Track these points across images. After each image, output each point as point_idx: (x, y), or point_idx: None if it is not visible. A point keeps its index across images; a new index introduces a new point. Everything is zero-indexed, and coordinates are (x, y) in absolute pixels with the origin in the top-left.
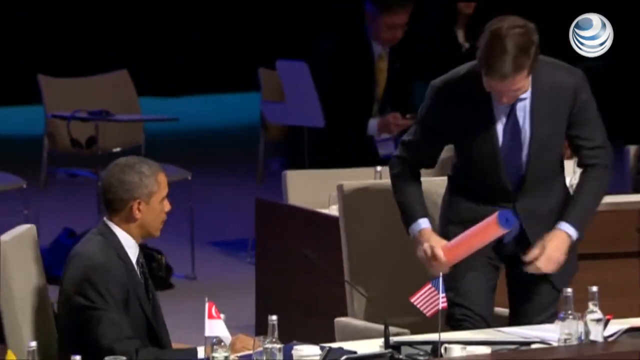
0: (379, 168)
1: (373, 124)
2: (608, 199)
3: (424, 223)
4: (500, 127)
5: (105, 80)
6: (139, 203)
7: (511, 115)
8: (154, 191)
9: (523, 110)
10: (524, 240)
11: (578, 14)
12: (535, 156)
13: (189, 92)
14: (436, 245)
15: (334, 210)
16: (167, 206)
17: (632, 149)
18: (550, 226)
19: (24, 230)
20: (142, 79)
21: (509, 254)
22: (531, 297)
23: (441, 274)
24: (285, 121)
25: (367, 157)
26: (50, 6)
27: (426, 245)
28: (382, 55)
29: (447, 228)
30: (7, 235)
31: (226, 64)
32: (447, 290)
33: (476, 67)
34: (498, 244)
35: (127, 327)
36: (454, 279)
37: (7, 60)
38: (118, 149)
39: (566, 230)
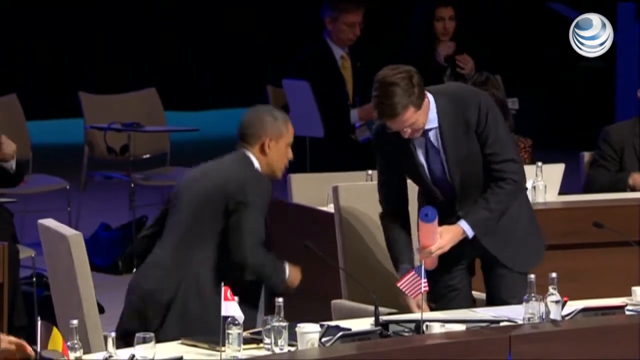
0: (369, 172)
1: (354, 113)
2: (568, 198)
3: (403, 271)
4: (421, 154)
5: (137, 97)
6: (270, 140)
7: (427, 143)
8: (283, 133)
9: (435, 136)
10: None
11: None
12: (457, 173)
13: (208, 107)
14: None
15: (331, 208)
16: (290, 154)
17: (586, 155)
18: (496, 230)
19: (61, 225)
20: (168, 96)
21: (480, 254)
22: (502, 288)
23: (422, 263)
24: None
25: (359, 161)
26: (91, 34)
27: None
28: (344, 55)
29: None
30: (69, 230)
31: (239, 82)
32: (429, 301)
33: None
34: (468, 247)
35: (263, 231)
36: (433, 294)
37: (52, 80)
38: (147, 155)
39: (463, 228)
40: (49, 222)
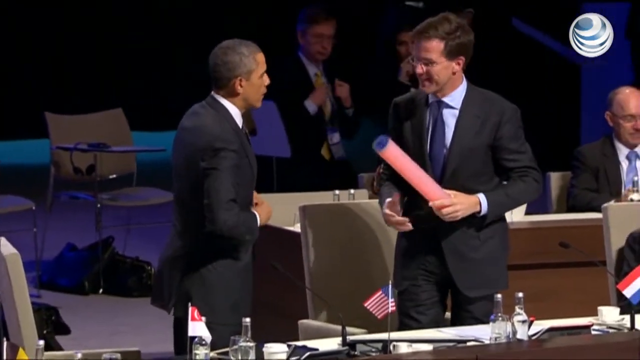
0: (337, 192)
1: (309, 102)
2: (535, 218)
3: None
4: (430, 126)
5: (103, 117)
6: (240, 80)
7: (438, 117)
8: (252, 69)
9: (450, 117)
10: (440, 252)
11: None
12: (455, 160)
13: (175, 127)
14: (386, 206)
15: (298, 228)
16: (266, 80)
17: (552, 175)
18: (464, 238)
19: (6, 243)
20: (135, 116)
21: (445, 280)
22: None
23: (390, 283)
24: (257, 152)
25: (326, 181)
26: (56, 53)
27: (384, 213)
28: (318, 73)
29: (399, 241)
30: (8, 249)
31: None
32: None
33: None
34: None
35: (233, 190)
36: (404, 321)
37: (17, 100)
38: (114, 176)
39: (480, 199)
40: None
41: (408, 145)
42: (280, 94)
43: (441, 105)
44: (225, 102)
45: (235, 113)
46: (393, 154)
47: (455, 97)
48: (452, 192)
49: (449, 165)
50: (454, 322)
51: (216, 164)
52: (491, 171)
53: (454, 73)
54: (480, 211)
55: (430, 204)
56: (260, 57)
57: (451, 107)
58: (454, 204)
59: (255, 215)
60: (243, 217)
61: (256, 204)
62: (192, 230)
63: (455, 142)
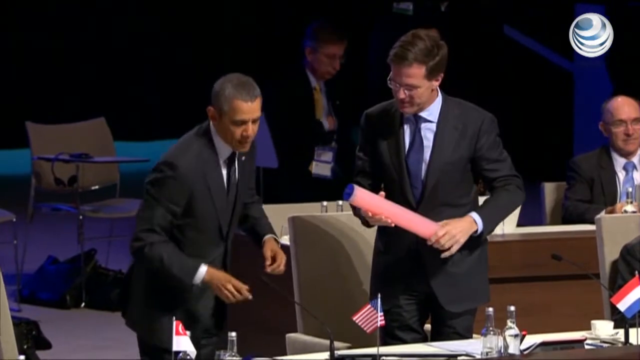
0: (324, 203)
1: (324, 120)
2: (526, 230)
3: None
4: (407, 141)
5: (85, 127)
6: (214, 111)
7: (417, 132)
8: (223, 110)
9: (428, 131)
10: (422, 267)
11: None
12: (435, 175)
13: (158, 137)
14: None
15: (285, 240)
16: (246, 131)
17: (546, 185)
18: (445, 260)
19: None
20: (117, 126)
21: (427, 296)
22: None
23: (379, 296)
24: None
25: (313, 193)
26: (38, 62)
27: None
28: (317, 87)
29: (377, 258)
30: None
31: (190, 112)
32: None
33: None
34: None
35: (160, 221)
36: (388, 341)
37: None
38: (96, 187)
39: (474, 218)
40: None
41: (385, 161)
42: (282, 102)
43: (419, 120)
44: (213, 132)
45: (220, 146)
46: (364, 199)
47: (433, 110)
48: (443, 222)
49: (429, 181)
50: (435, 337)
51: (149, 188)
52: (470, 181)
53: (432, 90)
54: (477, 230)
55: (428, 243)
56: (240, 105)
57: (429, 121)
58: (448, 231)
59: (195, 266)
60: (168, 254)
61: (273, 257)
62: None
63: (435, 157)
